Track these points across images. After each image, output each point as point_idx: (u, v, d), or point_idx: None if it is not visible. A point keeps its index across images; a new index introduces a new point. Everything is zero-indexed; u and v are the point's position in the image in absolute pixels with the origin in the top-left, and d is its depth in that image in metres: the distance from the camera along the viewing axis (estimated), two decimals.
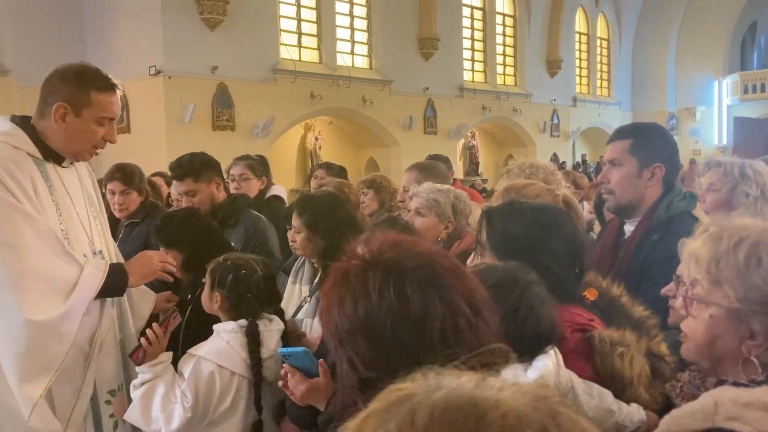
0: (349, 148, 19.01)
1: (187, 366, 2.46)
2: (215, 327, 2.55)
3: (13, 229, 2.25)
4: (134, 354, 2.46)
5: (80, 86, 2.45)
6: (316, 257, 2.90)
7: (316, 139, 17.79)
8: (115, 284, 2.44)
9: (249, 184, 4.53)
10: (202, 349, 2.49)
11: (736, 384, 1.27)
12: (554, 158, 23.45)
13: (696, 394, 1.36)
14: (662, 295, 1.63)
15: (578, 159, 25.39)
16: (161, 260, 2.65)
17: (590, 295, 1.85)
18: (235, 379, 2.47)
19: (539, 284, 1.64)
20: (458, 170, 20.40)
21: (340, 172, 5.68)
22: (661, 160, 2.47)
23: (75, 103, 2.43)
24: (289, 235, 2.96)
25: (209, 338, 2.53)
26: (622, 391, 1.63)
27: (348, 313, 1.07)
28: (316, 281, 2.89)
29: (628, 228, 2.55)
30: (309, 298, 2.88)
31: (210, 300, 2.59)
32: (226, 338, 2.49)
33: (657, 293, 2.20)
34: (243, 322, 2.53)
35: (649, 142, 2.50)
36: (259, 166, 4.73)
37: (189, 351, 2.51)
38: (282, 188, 5.33)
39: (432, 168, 3.88)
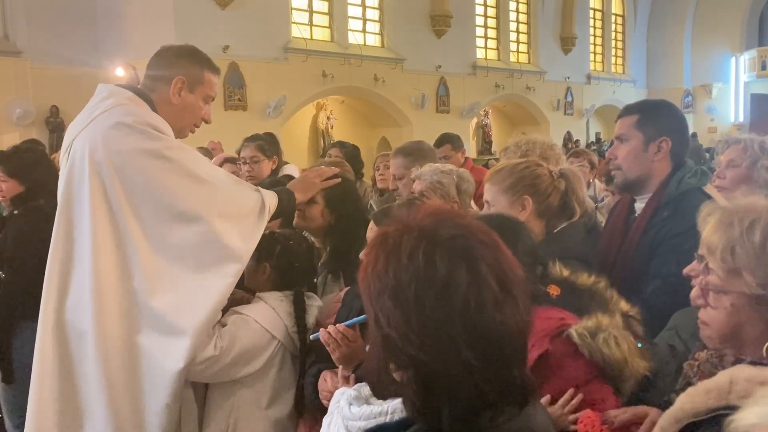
0: (361, 127, 18.95)
1: (229, 317, 2.48)
2: (259, 294, 2.58)
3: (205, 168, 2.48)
4: None
5: (196, 64, 2.58)
6: (321, 236, 2.87)
7: (328, 118, 17.75)
8: (288, 204, 2.64)
9: (260, 166, 4.49)
10: (246, 309, 2.51)
11: (753, 363, 1.25)
12: (568, 136, 23.30)
13: (713, 372, 1.35)
14: (684, 275, 1.61)
15: (592, 138, 25.19)
16: (318, 175, 2.80)
17: (553, 291, 1.84)
18: (273, 344, 2.48)
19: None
20: (471, 149, 20.30)
21: (353, 150, 5.64)
22: (667, 133, 2.44)
23: (191, 79, 2.54)
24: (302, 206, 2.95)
25: (253, 303, 2.56)
26: (621, 371, 1.62)
27: (379, 271, 1.10)
28: (321, 261, 2.87)
29: (639, 206, 2.53)
30: (314, 280, 2.88)
31: (256, 272, 2.60)
32: (272, 304, 2.52)
33: (668, 269, 2.19)
34: (288, 292, 2.56)
35: (655, 116, 2.48)
36: (269, 145, 4.68)
37: (233, 309, 2.52)
38: (294, 167, 5.31)
39: (417, 150, 3.82)
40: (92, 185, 2.29)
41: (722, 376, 1.14)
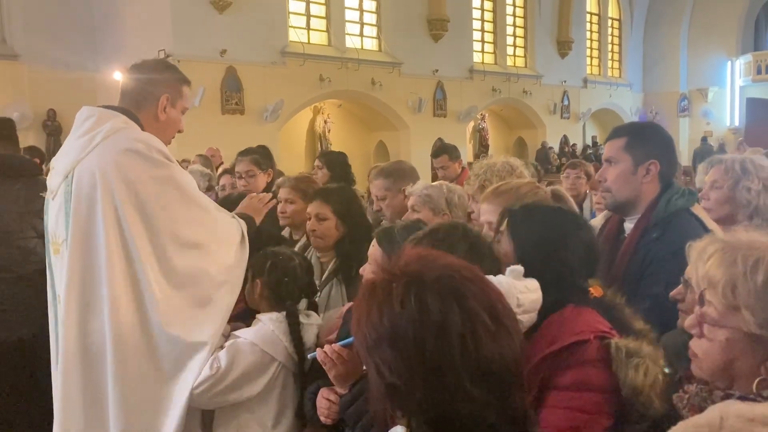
0: (358, 131, 18.98)
1: (227, 341, 2.49)
2: (259, 316, 2.57)
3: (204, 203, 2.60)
4: None
5: (175, 79, 2.66)
6: (330, 249, 2.94)
7: (325, 122, 17.77)
8: (250, 229, 2.73)
9: (256, 180, 4.46)
10: (245, 333, 2.51)
11: (742, 398, 1.26)
12: (564, 140, 23.35)
13: (703, 406, 1.34)
14: (671, 298, 1.64)
15: (588, 141, 25.24)
16: (260, 200, 2.94)
17: (595, 291, 1.87)
18: (273, 366, 2.48)
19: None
20: (468, 153, 20.33)
21: (339, 156, 5.56)
22: (655, 156, 2.48)
23: (173, 95, 2.62)
24: (308, 225, 2.98)
25: (252, 325, 2.56)
26: (635, 398, 1.64)
27: (374, 322, 1.12)
28: (326, 275, 2.93)
29: (628, 226, 2.57)
30: (319, 293, 2.91)
31: (252, 290, 2.62)
32: (270, 326, 2.51)
33: (656, 291, 2.23)
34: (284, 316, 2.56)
35: (643, 139, 2.53)
36: (263, 159, 4.64)
37: (233, 333, 2.54)
38: None
39: (396, 171, 3.82)
40: (105, 212, 2.34)
41: (712, 412, 1.14)
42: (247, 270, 2.59)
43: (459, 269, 1.16)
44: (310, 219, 3.00)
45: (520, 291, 1.66)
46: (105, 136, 2.40)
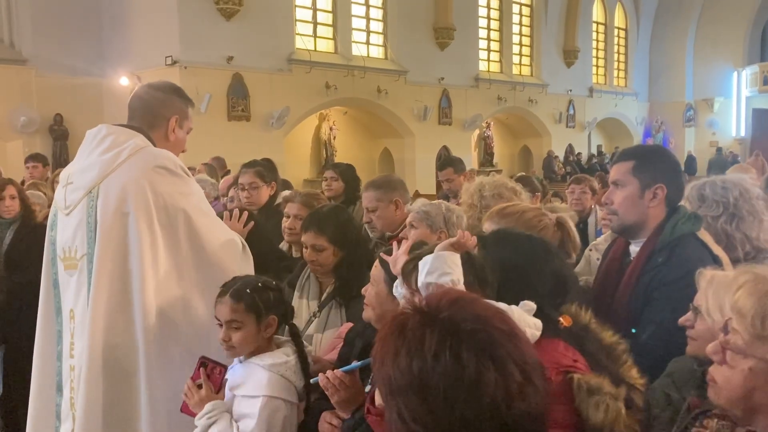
0: (363, 138, 19.02)
1: (250, 406, 2.28)
2: (265, 364, 2.33)
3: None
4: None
5: (183, 101, 2.75)
6: (330, 272, 2.92)
7: (331, 129, 17.82)
8: None
9: (259, 193, 4.44)
10: (266, 388, 2.29)
11: None
12: (569, 149, 23.34)
13: None
14: (679, 325, 1.63)
15: (593, 150, 25.24)
16: (239, 222, 3.08)
17: (565, 321, 1.86)
18: (294, 408, 2.37)
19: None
20: (473, 161, 20.35)
21: (348, 170, 5.61)
22: (662, 180, 2.48)
23: (181, 116, 2.72)
24: (306, 254, 2.94)
25: (260, 373, 2.33)
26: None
27: (402, 367, 1.10)
28: (324, 296, 2.92)
29: (634, 249, 2.56)
30: (318, 314, 2.90)
31: (264, 330, 2.37)
32: (283, 373, 2.32)
33: (662, 316, 2.23)
34: (287, 350, 2.39)
35: (651, 163, 2.53)
36: (267, 171, 4.61)
37: (244, 394, 2.32)
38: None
39: (387, 182, 3.86)
40: (139, 225, 2.42)
41: None
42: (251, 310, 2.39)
43: (493, 321, 1.14)
44: (306, 249, 2.93)
45: (528, 325, 1.65)
46: (130, 153, 2.48)
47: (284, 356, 2.38)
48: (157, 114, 2.66)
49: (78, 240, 2.48)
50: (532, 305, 1.70)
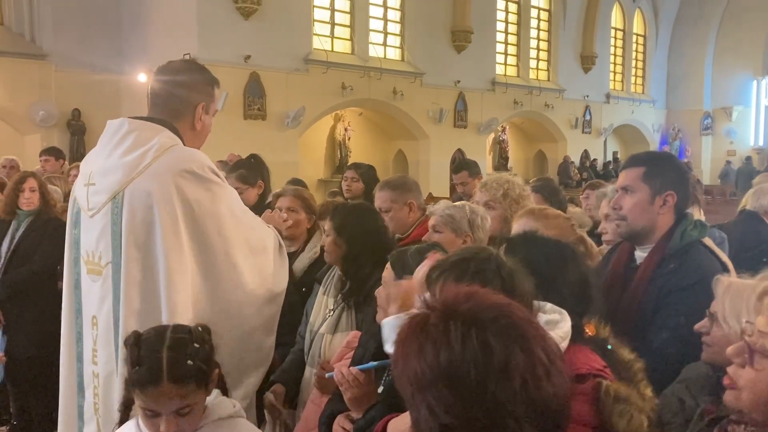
0: (378, 139, 19.02)
1: None
2: (223, 420, 2.02)
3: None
4: None
5: (208, 83, 2.58)
6: (340, 263, 2.95)
7: (346, 130, 17.83)
8: None
9: (245, 196, 4.19)
10: None
11: None
12: (585, 155, 23.22)
13: None
14: (695, 331, 1.62)
15: (609, 157, 25.10)
16: (279, 217, 3.11)
17: (589, 330, 1.85)
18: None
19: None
20: (488, 165, 20.30)
21: (369, 170, 5.64)
22: (672, 188, 2.50)
23: (207, 101, 2.57)
24: (324, 241, 3.01)
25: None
26: None
27: (429, 361, 1.10)
28: (339, 296, 2.92)
29: (639, 254, 2.57)
30: (332, 312, 2.91)
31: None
32: (239, 414, 2.10)
33: (676, 322, 2.23)
34: (234, 399, 2.17)
35: (661, 170, 2.54)
36: (250, 172, 4.50)
37: None
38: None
39: (403, 184, 3.84)
40: (164, 231, 2.34)
41: None
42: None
43: (511, 308, 1.15)
44: (329, 236, 2.98)
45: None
46: (156, 156, 2.36)
47: (227, 403, 2.07)
48: (182, 101, 2.52)
49: (102, 246, 2.41)
50: (549, 308, 1.67)
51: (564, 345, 1.62)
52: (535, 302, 1.68)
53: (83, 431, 2.56)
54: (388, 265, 2.27)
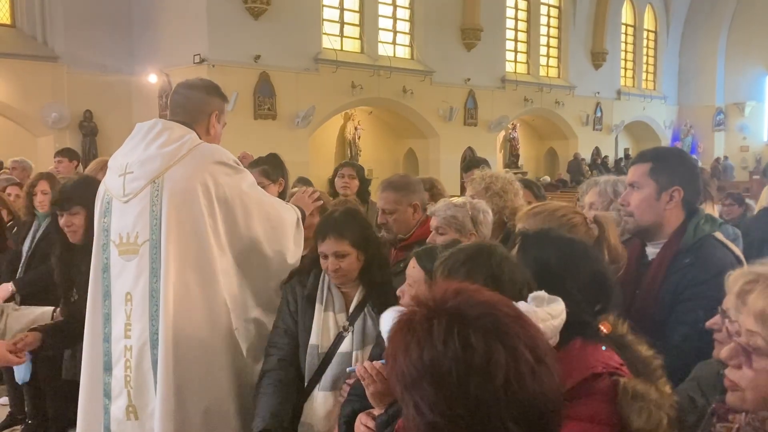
0: (388, 138, 19.03)
1: None
2: None
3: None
4: None
5: (220, 97, 3.04)
6: (356, 279, 2.79)
7: (356, 128, 17.86)
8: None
9: (267, 192, 4.24)
10: None
11: None
12: (596, 152, 23.13)
13: None
14: (707, 327, 1.62)
15: (620, 154, 24.98)
16: (308, 195, 3.45)
17: (605, 328, 1.83)
18: None
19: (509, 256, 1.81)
20: (498, 162, 20.25)
21: (361, 169, 5.67)
22: (679, 183, 2.49)
23: (220, 110, 3.01)
24: (327, 264, 2.74)
25: None
26: None
27: (413, 359, 1.10)
28: (352, 308, 2.78)
29: (651, 250, 2.56)
30: (350, 328, 2.75)
31: None
32: None
33: (695, 316, 2.20)
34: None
35: (668, 165, 2.53)
36: (273, 168, 4.41)
37: None
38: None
39: (407, 184, 3.76)
40: (203, 213, 2.72)
41: None
42: None
43: (499, 306, 1.15)
44: (326, 258, 2.74)
45: (541, 319, 1.60)
46: (190, 148, 2.76)
47: None
48: (200, 110, 2.92)
49: (140, 226, 2.71)
50: (542, 295, 1.64)
51: (555, 340, 1.62)
52: (534, 293, 1.65)
53: (110, 408, 2.77)
54: (412, 263, 2.26)
